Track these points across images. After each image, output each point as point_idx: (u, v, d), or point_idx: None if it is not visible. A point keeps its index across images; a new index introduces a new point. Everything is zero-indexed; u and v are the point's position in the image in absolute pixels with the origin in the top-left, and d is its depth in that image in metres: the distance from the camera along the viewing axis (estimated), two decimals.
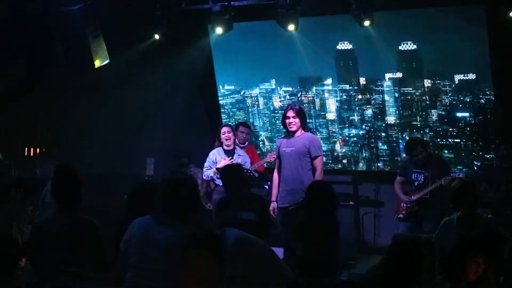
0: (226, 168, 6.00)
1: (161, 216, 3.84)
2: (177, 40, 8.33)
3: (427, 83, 7.79)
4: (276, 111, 8.80)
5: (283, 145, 6.61)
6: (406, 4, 7.48)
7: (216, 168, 7.00)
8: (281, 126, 6.89)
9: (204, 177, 7.26)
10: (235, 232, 3.65)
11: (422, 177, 6.76)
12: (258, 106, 8.99)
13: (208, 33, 8.55)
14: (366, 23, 7.07)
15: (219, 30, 7.59)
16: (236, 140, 7.51)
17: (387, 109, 8.13)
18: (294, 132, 6.52)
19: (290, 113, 6.48)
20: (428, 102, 7.87)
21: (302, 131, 6.57)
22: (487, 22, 7.07)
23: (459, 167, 7.71)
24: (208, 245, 2.86)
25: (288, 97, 8.71)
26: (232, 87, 9.11)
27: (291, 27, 7.34)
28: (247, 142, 7.82)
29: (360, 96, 8.22)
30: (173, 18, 7.76)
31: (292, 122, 6.48)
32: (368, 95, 8.17)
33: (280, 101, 8.76)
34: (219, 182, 7.09)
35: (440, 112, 7.85)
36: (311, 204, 5.16)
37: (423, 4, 7.41)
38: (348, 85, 8.23)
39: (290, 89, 8.73)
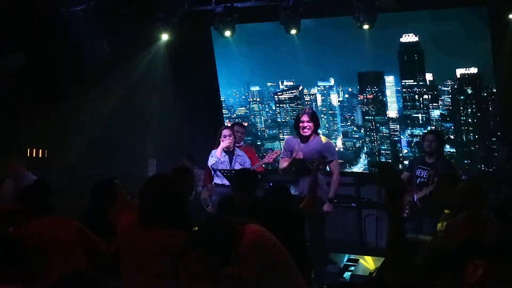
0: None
1: (146, 219, 3.64)
2: (180, 41, 8.34)
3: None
4: (277, 108, 8.93)
5: (295, 148, 6.43)
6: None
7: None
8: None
9: (208, 163, 7.19)
10: (255, 232, 3.56)
11: (426, 174, 6.69)
12: (260, 103, 9.07)
13: (211, 34, 8.56)
14: (366, 26, 7.00)
15: (227, 33, 7.56)
16: None
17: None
18: (308, 136, 6.43)
19: (305, 118, 6.36)
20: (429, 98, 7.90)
21: (315, 136, 6.46)
22: (490, 23, 7.08)
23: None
24: (207, 246, 2.86)
25: (287, 95, 8.79)
26: (235, 90, 9.21)
27: (293, 31, 7.34)
28: (242, 142, 7.83)
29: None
30: (176, 20, 7.78)
31: (306, 127, 6.36)
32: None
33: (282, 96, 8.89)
34: (217, 180, 7.06)
35: (442, 112, 7.86)
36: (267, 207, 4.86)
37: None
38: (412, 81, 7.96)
39: (291, 83, 8.79)
